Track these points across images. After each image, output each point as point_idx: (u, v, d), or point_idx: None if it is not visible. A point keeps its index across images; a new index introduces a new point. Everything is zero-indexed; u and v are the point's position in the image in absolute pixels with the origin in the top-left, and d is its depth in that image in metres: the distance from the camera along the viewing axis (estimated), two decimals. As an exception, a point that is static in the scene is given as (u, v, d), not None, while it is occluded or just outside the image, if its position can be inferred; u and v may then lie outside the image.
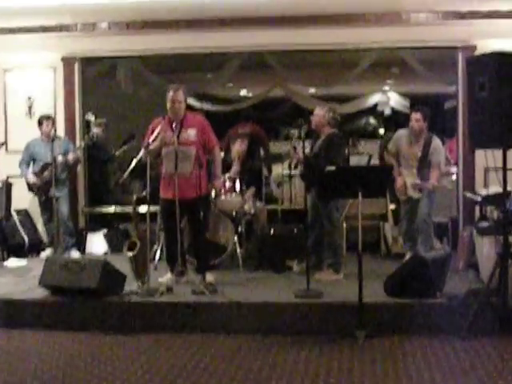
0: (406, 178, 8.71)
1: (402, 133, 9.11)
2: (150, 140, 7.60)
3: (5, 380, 5.64)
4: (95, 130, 10.95)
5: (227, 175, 9.21)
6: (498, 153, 6.74)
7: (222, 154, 8.82)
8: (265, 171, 10.73)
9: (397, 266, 7.60)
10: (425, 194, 8.69)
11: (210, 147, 8.04)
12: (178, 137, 7.74)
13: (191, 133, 7.85)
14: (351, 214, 9.43)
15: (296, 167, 8.09)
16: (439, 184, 8.73)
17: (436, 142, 8.79)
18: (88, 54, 10.61)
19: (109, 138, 11.74)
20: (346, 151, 11.34)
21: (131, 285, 7.61)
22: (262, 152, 10.35)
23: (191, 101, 12.40)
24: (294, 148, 8.17)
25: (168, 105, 7.81)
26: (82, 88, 10.72)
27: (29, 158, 9.75)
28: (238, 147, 9.75)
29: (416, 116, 8.80)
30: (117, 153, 11.42)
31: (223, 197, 9.10)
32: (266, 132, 11.34)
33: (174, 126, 7.74)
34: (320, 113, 8.41)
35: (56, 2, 9.78)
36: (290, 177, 8.57)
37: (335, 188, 7.26)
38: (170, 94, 7.81)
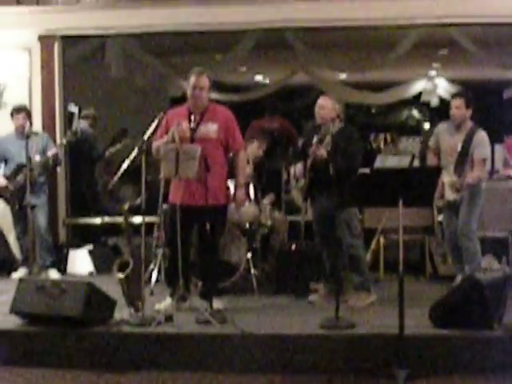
0: (444, 178, 8.58)
1: (443, 125, 9.12)
2: (161, 141, 7.67)
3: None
4: (81, 125, 11.02)
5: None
6: None
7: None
8: (285, 175, 10.74)
9: (445, 290, 7.60)
10: (464, 199, 8.67)
11: (234, 150, 8.10)
12: (195, 130, 7.80)
13: (212, 128, 7.88)
14: (389, 227, 9.45)
15: (313, 168, 7.96)
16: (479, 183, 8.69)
17: (481, 134, 8.72)
18: (70, 31, 10.67)
19: (96, 134, 11.77)
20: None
21: (122, 312, 7.61)
22: (291, 151, 10.36)
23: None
24: (320, 140, 8.04)
25: (188, 91, 7.89)
26: (64, 73, 10.78)
27: (-1, 158, 9.81)
28: (255, 150, 9.72)
29: (456, 103, 8.77)
30: (107, 152, 11.45)
31: (234, 205, 9.08)
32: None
33: (192, 117, 7.79)
34: (329, 104, 8.37)
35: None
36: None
37: (369, 194, 7.25)
38: (192, 78, 7.87)
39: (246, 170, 8.28)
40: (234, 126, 8.11)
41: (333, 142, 7.96)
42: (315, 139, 8.08)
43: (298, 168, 8.38)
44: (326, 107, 8.31)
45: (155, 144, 7.81)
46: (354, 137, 8.33)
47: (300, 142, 9.15)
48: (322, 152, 7.86)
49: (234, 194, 8.25)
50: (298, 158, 8.64)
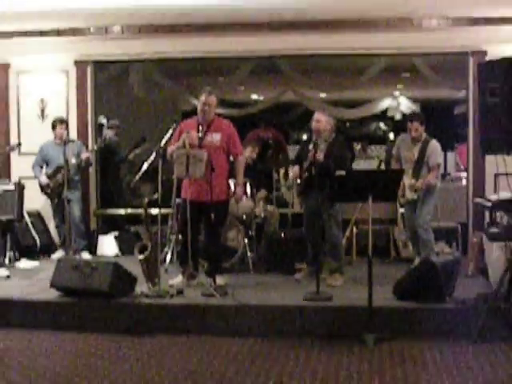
0: (405, 181, 8.58)
1: (403, 137, 9.14)
2: (174, 146, 7.65)
3: (15, 380, 5.63)
4: (108, 133, 10.99)
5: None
6: (509, 158, 6.73)
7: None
8: (275, 175, 10.75)
9: (406, 270, 7.61)
10: (421, 197, 8.66)
11: (234, 155, 8.10)
12: (202, 139, 7.81)
13: (216, 137, 7.90)
14: (361, 218, 9.45)
15: (309, 169, 7.96)
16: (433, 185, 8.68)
17: (433, 144, 8.74)
18: (100, 57, 10.64)
19: (121, 141, 11.75)
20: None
21: (142, 287, 7.61)
22: (281, 157, 10.38)
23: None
24: (315, 147, 8.01)
25: (199, 107, 7.92)
26: (95, 91, 10.75)
27: (42, 161, 9.77)
28: (249, 154, 9.72)
29: (414, 126, 8.74)
30: (129, 156, 11.43)
31: (233, 200, 9.07)
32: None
33: (200, 128, 7.80)
34: (324, 118, 8.34)
35: (69, 6, 9.79)
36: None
37: (346, 191, 7.26)
38: (203, 97, 7.90)
39: (243, 171, 8.25)
40: (235, 136, 8.12)
41: (327, 149, 7.99)
42: (310, 146, 8.11)
43: (294, 170, 8.38)
44: (320, 121, 8.28)
45: (170, 149, 7.83)
46: (344, 145, 8.37)
47: (290, 149, 9.16)
48: (320, 156, 7.87)
49: (234, 190, 8.25)
50: (294, 162, 8.66)
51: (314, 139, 8.16)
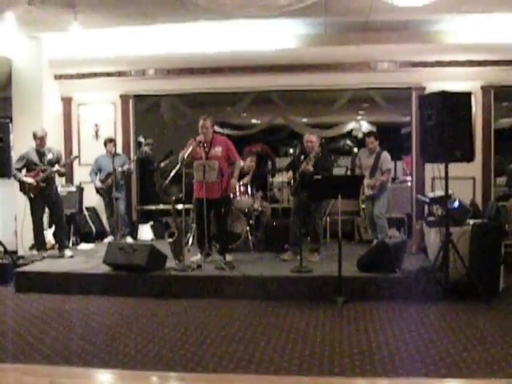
0: (364, 182, 8.53)
1: (362, 150, 9.19)
2: (185, 156, 7.62)
3: (76, 332, 5.68)
4: (145, 148, 11.01)
5: (241, 182, 9.18)
6: (441, 166, 6.75)
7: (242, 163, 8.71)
8: (270, 179, 10.76)
9: (366, 249, 7.61)
10: (376, 195, 8.67)
11: (233, 160, 8.05)
12: (208, 153, 7.78)
13: (218, 150, 7.87)
14: (332, 211, 9.45)
15: (302, 175, 7.91)
16: (385, 184, 8.70)
17: (385, 154, 8.79)
18: (139, 92, 10.61)
19: (155, 154, 11.77)
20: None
21: (171, 263, 7.62)
22: (269, 165, 10.40)
23: (215, 127, 12.38)
24: (306, 160, 7.99)
25: (199, 130, 7.85)
26: (135, 118, 10.72)
27: (96, 169, 9.76)
28: (249, 163, 9.72)
29: (370, 139, 8.88)
30: (161, 164, 11.44)
31: (239, 198, 9.07)
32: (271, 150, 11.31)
33: (205, 144, 7.77)
34: (314, 138, 8.27)
35: (116, 54, 9.85)
36: (288, 183, 8.55)
37: (321, 191, 7.27)
38: (201, 122, 7.86)
39: (239, 169, 8.19)
40: (232, 146, 8.06)
41: (315, 160, 7.94)
42: (302, 157, 8.14)
43: (289, 175, 8.33)
44: (313, 141, 8.20)
45: (181, 153, 7.76)
46: (329, 158, 8.34)
47: (279, 160, 9.16)
48: (310, 167, 7.86)
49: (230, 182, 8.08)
50: (287, 169, 8.62)
51: (308, 153, 8.11)
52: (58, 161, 8.68)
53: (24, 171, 8.57)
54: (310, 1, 6.69)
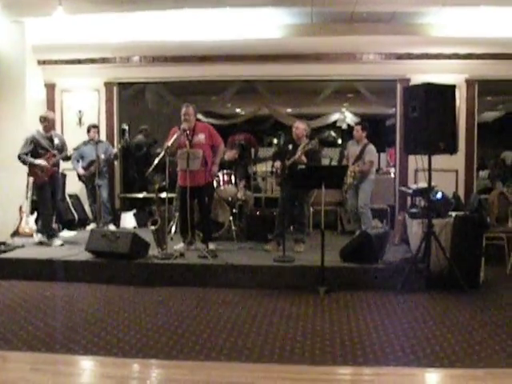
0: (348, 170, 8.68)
1: (351, 142, 9.23)
2: (169, 143, 7.60)
3: (58, 319, 5.64)
4: (139, 136, 10.97)
5: (225, 171, 9.16)
6: (425, 158, 6.77)
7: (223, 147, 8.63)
8: (253, 168, 10.75)
9: (349, 239, 7.63)
10: (359, 185, 8.72)
11: (217, 145, 8.00)
12: (191, 140, 7.73)
13: (201, 137, 7.83)
14: (316, 201, 9.47)
15: (292, 165, 7.85)
16: (365, 174, 8.73)
17: (370, 146, 8.84)
18: (124, 80, 10.58)
19: (148, 141, 11.77)
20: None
21: (153, 251, 7.59)
22: (253, 153, 10.39)
23: (200, 116, 12.33)
24: (298, 150, 7.94)
25: (182, 117, 7.80)
26: (119, 105, 10.67)
27: (79, 156, 9.68)
28: (233, 154, 9.73)
29: (357, 128, 9.05)
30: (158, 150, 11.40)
31: (222, 187, 9.05)
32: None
33: (187, 132, 7.71)
34: (302, 126, 8.28)
35: (100, 41, 9.81)
36: (273, 172, 8.53)
37: (305, 181, 7.27)
38: (183, 109, 7.82)
39: (221, 156, 8.19)
40: (214, 132, 8.04)
41: (305, 151, 7.86)
42: (290, 147, 8.14)
43: (277, 164, 8.22)
44: (299, 128, 8.22)
45: (165, 144, 7.71)
46: (318, 148, 8.30)
47: (263, 150, 9.14)
48: (303, 158, 7.82)
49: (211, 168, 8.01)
50: (273, 158, 8.59)
51: (295, 142, 8.14)
52: (62, 146, 8.61)
53: (29, 156, 8.33)
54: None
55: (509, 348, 4.74)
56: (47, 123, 8.45)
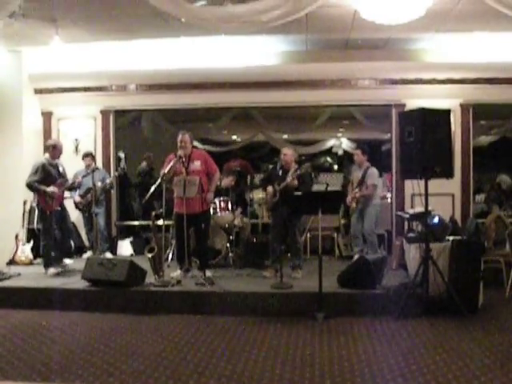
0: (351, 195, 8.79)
1: (354, 166, 9.35)
2: (166, 171, 7.61)
3: (55, 348, 5.59)
4: (143, 164, 10.98)
5: (221, 198, 9.16)
6: (421, 183, 6.78)
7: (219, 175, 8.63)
8: (250, 195, 10.74)
9: (347, 265, 7.60)
10: (363, 210, 8.78)
11: (212, 172, 8.03)
12: (187, 167, 7.76)
13: (197, 164, 7.88)
14: (312, 227, 9.46)
15: (284, 191, 7.86)
16: (369, 198, 8.79)
17: (372, 170, 8.91)
18: (120, 107, 10.61)
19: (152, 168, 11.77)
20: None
21: (150, 278, 7.56)
22: (248, 180, 10.40)
23: (196, 143, 12.37)
24: (297, 174, 7.95)
25: (178, 145, 7.82)
26: (115, 133, 10.70)
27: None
28: (229, 181, 9.74)
29: (357, 152, 9.15)
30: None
31: (219, 214, 9.05)
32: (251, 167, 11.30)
33: (183, 159, 7.73)
34: (290, 152, 8.37)
35: (97, 69, 9.86)
36: (263, 198, 8.56)
37: (302, 207, 7.27)
38: (180, 136, 7.86)
39: (216, 183, 8.20)
40: (210, 159, 8.09)
41: (297, 176, 7.86)
42: (280, 172, 8.15)
43: (269, 190, 8.26)
44: (287, 154, 8.29)
45: (161, 171, 7.75)
46: (310, 174, 8.33)
47: (259, 175, 9.15)
48: (295, 182, 7.84)
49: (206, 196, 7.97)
50: (263, 182, 8.63)
51: (284, 168, 8.17)
52: (64, 174, 8.61)
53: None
54: (291, 18, 6.72)
55: (510, 373, 4.70)
56: (56, 151, 8.43)
